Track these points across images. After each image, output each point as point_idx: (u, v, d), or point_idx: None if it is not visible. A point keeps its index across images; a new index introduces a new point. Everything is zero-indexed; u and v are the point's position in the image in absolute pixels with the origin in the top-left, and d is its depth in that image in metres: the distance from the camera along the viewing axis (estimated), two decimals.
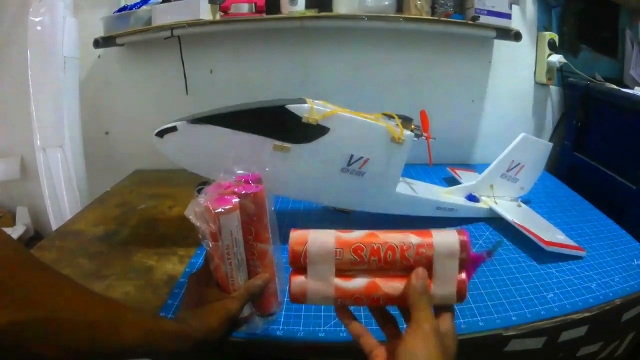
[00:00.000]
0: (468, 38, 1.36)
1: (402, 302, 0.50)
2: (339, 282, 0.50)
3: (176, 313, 0.60)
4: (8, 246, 0.40)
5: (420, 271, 0.49)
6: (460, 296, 0.51)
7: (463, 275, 0.51)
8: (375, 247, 0.50)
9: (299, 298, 0.51)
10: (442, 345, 0.46)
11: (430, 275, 0.50)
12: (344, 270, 0.51)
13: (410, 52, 1.41)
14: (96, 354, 0.45)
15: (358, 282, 0.50)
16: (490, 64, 1.46)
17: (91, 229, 1.00)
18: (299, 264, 0.50)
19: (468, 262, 0.51)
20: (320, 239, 0.51)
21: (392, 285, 0.50)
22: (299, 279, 0.51)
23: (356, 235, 0.51)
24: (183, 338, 0.52)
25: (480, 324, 0.71)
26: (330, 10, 1.24)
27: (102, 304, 0.47)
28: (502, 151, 1.05)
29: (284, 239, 0.55)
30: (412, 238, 0.51)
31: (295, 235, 0.51)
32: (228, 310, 0.56)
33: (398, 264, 0.50)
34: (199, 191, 0.90)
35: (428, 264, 0.50)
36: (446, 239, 0.51)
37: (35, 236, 1.44)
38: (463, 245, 0.50)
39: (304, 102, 0.78)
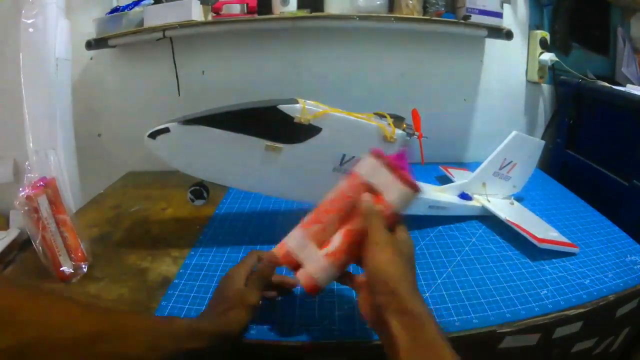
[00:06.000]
0: (459, 37, 1.36)
1: None
2: (323, 251, 0.59)
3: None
4: None
5: (365, 196, 0.58)
6: (411, 185, 0.58)
7: (400, 175, 0.58)
8: (323, 208, 0.61)
9: (311, 285, 0.58)
10: (399, 251, 0.54)
11: (376, 193, 0.58)
12: (322, 240, 0.60)
13: (401, 51, 1.41)
14: None
15: (336, 240, 0.59)
16: (482, 62, 1.46)
17: (85, 231, 0.99)
18: (293, 262, 0.61)
19: (393, 162, 0.59)
20: (290, 235, 0.63)
21: (357, 222, 0.58)
22: (300, 272, 0.60)
23: (310, 215, 0.63)
24: (198, 335, 0.55)
25: (474, 321, 0.71)
26: (322, 10, 1.24)
27: (100, 315, 0.49)
28: (494, 149, 1.06)
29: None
30: (341, 183, 0.62)
31: (276, 248, 0.64)
32: (244, 299, 0.60)
33: (348, 205, 0.59)
34: (192, 192, 0.90)
35: (367, 187, 0.59)
36: (363, 162, 0.61)
37: (29, 239, 1.43)
38: (376, 154, 0.59)
39: (296, 102, 0.78)
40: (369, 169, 0.59)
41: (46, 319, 0.43)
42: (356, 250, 0.57)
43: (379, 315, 0.50)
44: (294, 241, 0.61)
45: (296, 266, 0.61)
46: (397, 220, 0.58)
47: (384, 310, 0.49)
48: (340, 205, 0.60)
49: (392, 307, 0.48)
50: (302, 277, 0.59)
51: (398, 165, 0.59)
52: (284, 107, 0.76)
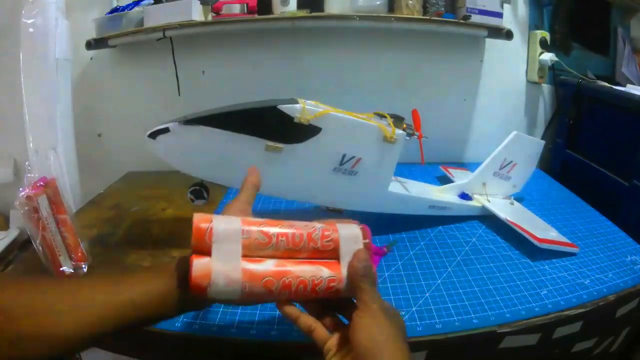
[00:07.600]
0: (459, 37, 1.36)
1: (314, 291, 0.50)
2: (247, 264, 0.48)
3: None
4: None
5: (362, 253, 0.51)
6: None
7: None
8: (281, 229, 0.51)
9: (200, 283, 0.46)
10: (391, 318, 0.47)
11: (335, 259, 0.52)
12: (252, 253, 0.49)
13: (401, 51, 1.41)
14: (43, 343, 0.43)
15: (267, 265, 0.49)
16: (482, 62, 1.46)
17: (85, 231, 0.99)
18: (202, 243, 0.47)
19: (372, 250, 0.53)
20: (225, 218, 0.50)
21: (302, 269, 0.50)
22: (202, 260, 0.47)
23: (261, 219, 0.51)
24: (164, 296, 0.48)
25: (475, 321, 0.71)
26: (322, 10, 1.24)
27: (44, 291, 0.46)
28: (494, 149, 1.06)
29: None
30: (316, 224, 0.53)
31: (199, 215, 0.49)
32: None
33: (306, 247, 0.51)
34: (192, 192, 0.90)
35: (335, 247, 0.52)
36: (349, 227, 0.53)
37: (29, 239, 1.43)
38: (364, 233, 0.53)
39: (296, 102, 0.77)
40: (349, 236, 0.52)
41: None
42: (275, 293, 0.49)
43: None
44: (225, 226, 0.48)
45: (201, 250, 0.47)
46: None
47: None
48: (298, 241, 0.51)
49: None
50: (198, 266, 0.46)
51: (373, 256, 0.56)
52: (284, 107, 0.76)
